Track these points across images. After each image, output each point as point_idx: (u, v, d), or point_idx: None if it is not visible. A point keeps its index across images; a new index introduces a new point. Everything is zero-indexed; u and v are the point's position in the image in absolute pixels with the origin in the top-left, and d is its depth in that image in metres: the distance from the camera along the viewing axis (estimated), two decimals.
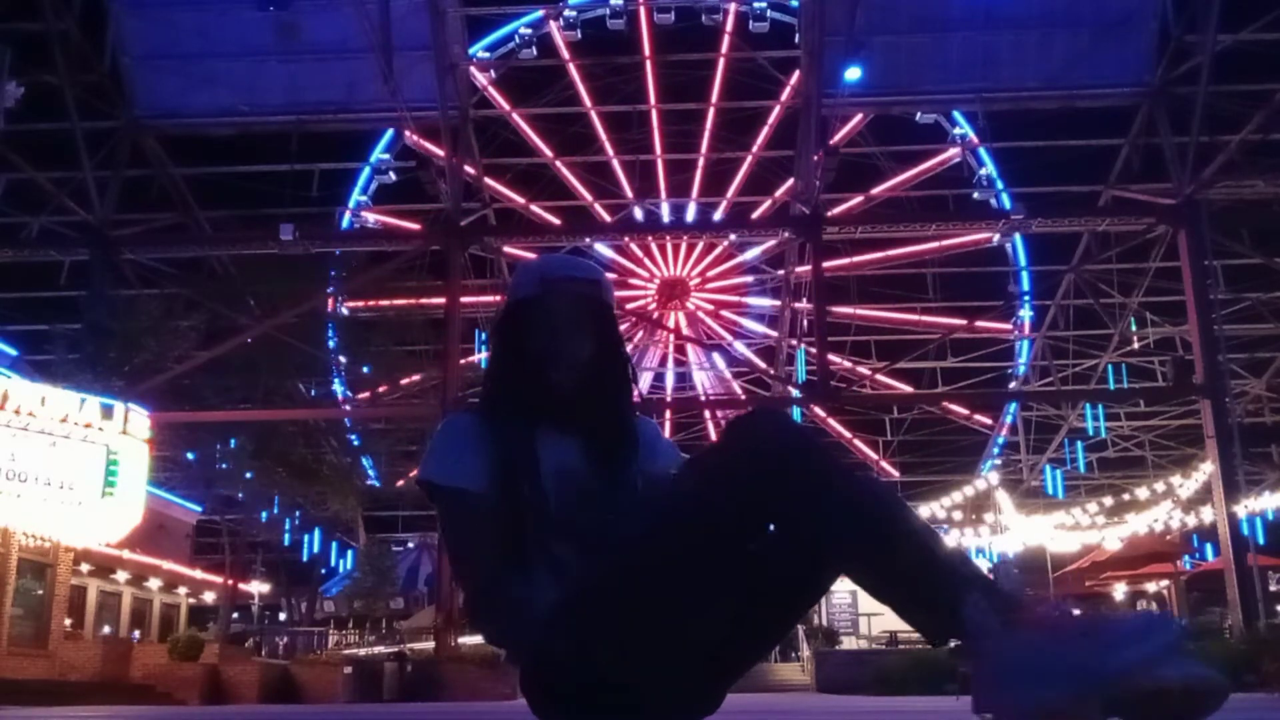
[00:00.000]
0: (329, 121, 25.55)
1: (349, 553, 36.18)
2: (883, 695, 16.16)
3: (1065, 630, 1.59)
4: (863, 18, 21.31)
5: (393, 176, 28.76)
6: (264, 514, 31.72)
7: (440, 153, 25.00)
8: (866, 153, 29.61)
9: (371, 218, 30.17)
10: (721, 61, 29.95)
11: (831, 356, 30.01)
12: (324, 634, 34.70)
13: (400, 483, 31.36)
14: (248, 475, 28.92)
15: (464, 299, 24.96)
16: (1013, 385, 32.51)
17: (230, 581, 30.29)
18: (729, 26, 28.68)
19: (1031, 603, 1.65)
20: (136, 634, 26.46)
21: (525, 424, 2.00)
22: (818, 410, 31.61)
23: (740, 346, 35.82)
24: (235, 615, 34.13)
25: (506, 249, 27.85)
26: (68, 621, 22.38)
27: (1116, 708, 1.55)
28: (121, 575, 25.30)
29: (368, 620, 33.71)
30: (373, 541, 34.86)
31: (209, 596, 30.03)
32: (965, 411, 33.25)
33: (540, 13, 27.85)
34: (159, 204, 26.39)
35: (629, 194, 32.47)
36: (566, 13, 27.34)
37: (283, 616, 40.01)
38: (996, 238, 26.94)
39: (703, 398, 35.86)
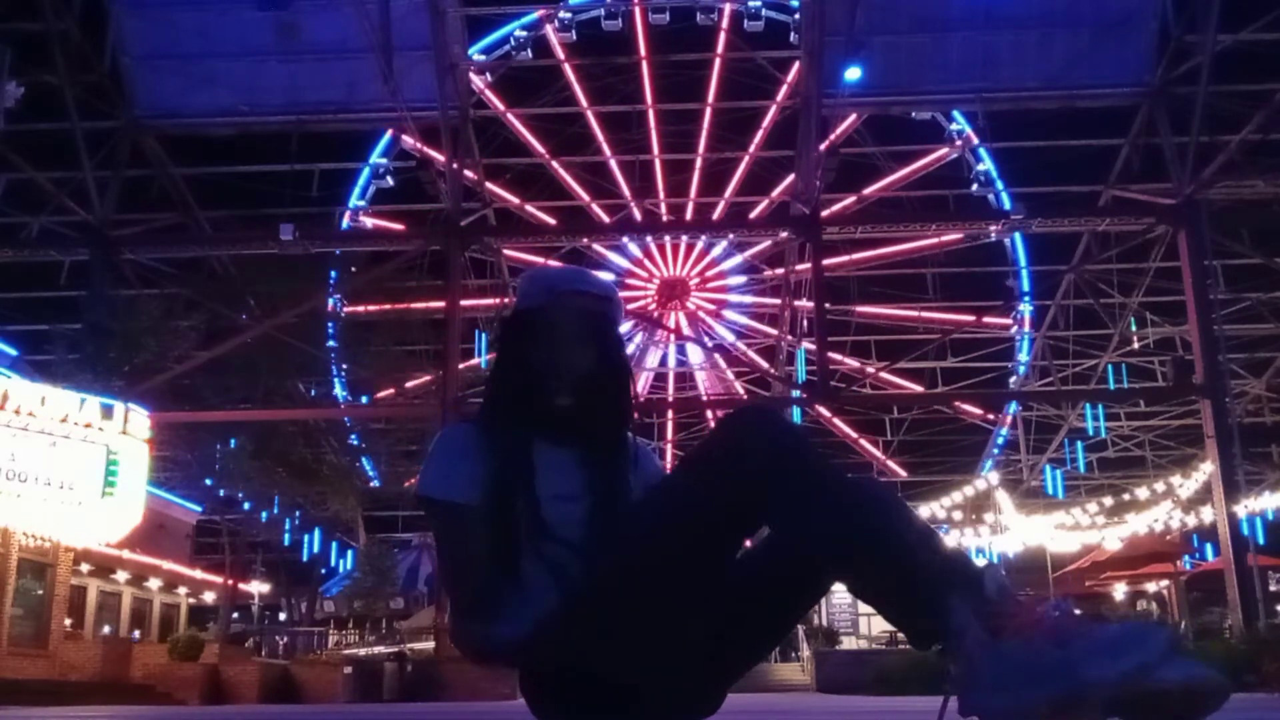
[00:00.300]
0: (329, 121, 25.54)
1: (349, 553, 36.18)
2: (883, 695, 16.16)
3: (1045, 637, 1.60)
4: (863, 18, 21.30)
5: (390, 181, 28.75)
6: (264, 514, 31.73)
7: (437, 155, 25.00)
8: (865, 152, 29.62)
9: (369, 222, 30.18)
10: (717, 61, 29.95)
11: (832, 354, 30.11)
12: (324, 634, 34.71)
13: (408, 484, 31.35)
14: (248, 475, 28.92)
15: (463, 301, 24.98)
16: (1013, 381, 32.48)
17: (230, 581, 30.29)
18: (724, 26, 28.68)
19: (1014, 607, 1.66)
20: (136, 634, 26.46)
21: (523, 434, 1.98)
22: (822, 410, 31.63)
23: (742, 346, 35.84)
24: (235, 615, 34.14)
25: (506, 251, 27.86)
26: (68, 621, 22.38)
27: (1117, 708, 1.56)
28: (121, 575, 25.30)
29: (368, 620, 33.73)
30: (373, 541, 34.86)
31: (209, 596, 30.03)
32: (979, 411, 33.27)
33: (535, 15, 27.85)
34: (159, 204, 26.40)
35: (627, 194, 32.49)
36: (561, 14, 27.34)
37: (283, 616, 40.01)
38: (994, 231, 26.89)
39: (704, 398, 35.85)
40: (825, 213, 25.44)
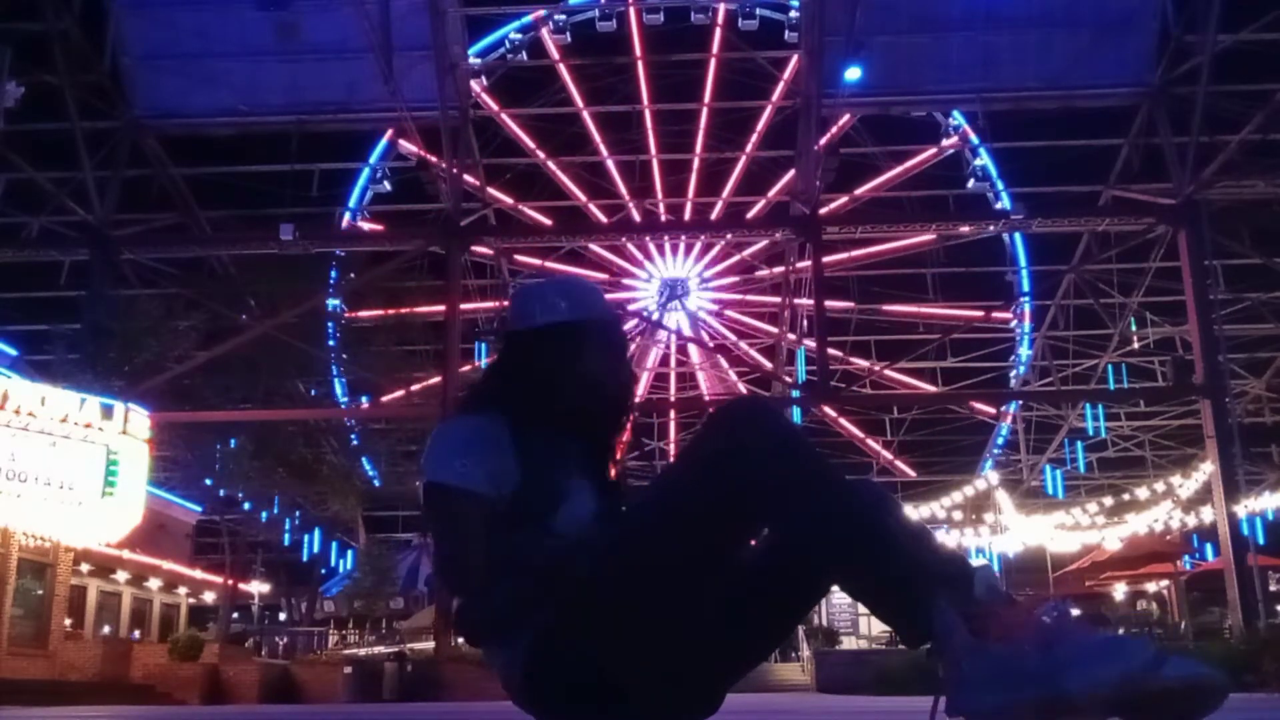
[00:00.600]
0: (329, 121, 25.54)
1: (349, 553, 36.19)
2: (883, 695, 16.15)
3: (1030, 640, 1.62)
4: (863, 18, 21.29)
5: (387, 186, 28.73)
6: (264, 514, 31.73)
7: (433, 158, 24.98)
8: (865, 152, 29.64)
9: (367, 227, 30.16)
10: (713, 60, 29.94)
11: (834, 352, 30.11)
12: (324, 634, 34.72)
13: (414, 483, 31.35)
14: (248, 475, 28.92)
15: (463, 305, 24.97)
16: (1014, 376, 32.44)
17: (230, 581, 30.28)
18: (719, 23, 28.65)
19: (1002, 609, 1.67)
20: (136, 634, 26.46)
21: (558, 438, 2.04)
22: (828, 410, 31.63)
23: (745, 346, 35.86)
24: (235, 615, 34.13)
25: (520, 258, 27.84)
26: (68, 621, 22.38)
27: (1118, 708, 1.57)
28: (121, 575, 25.30)
29: (368, 620, 33.73)
30: (373, 541, 34.87)
31: (209, 596, 30.04)
32: (991, 410, 33.27)
33: (530, 18, 27.83)
34: (159, 204, 26.40)
35: (625, 195, 32.50)
36: (556, 16, 27.34)
37: (283, 616, 40.03)
38: (993, 228, 26.90)
39: (706, 397, 35.85)
40: (822, 211, 25.44)
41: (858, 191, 30.70)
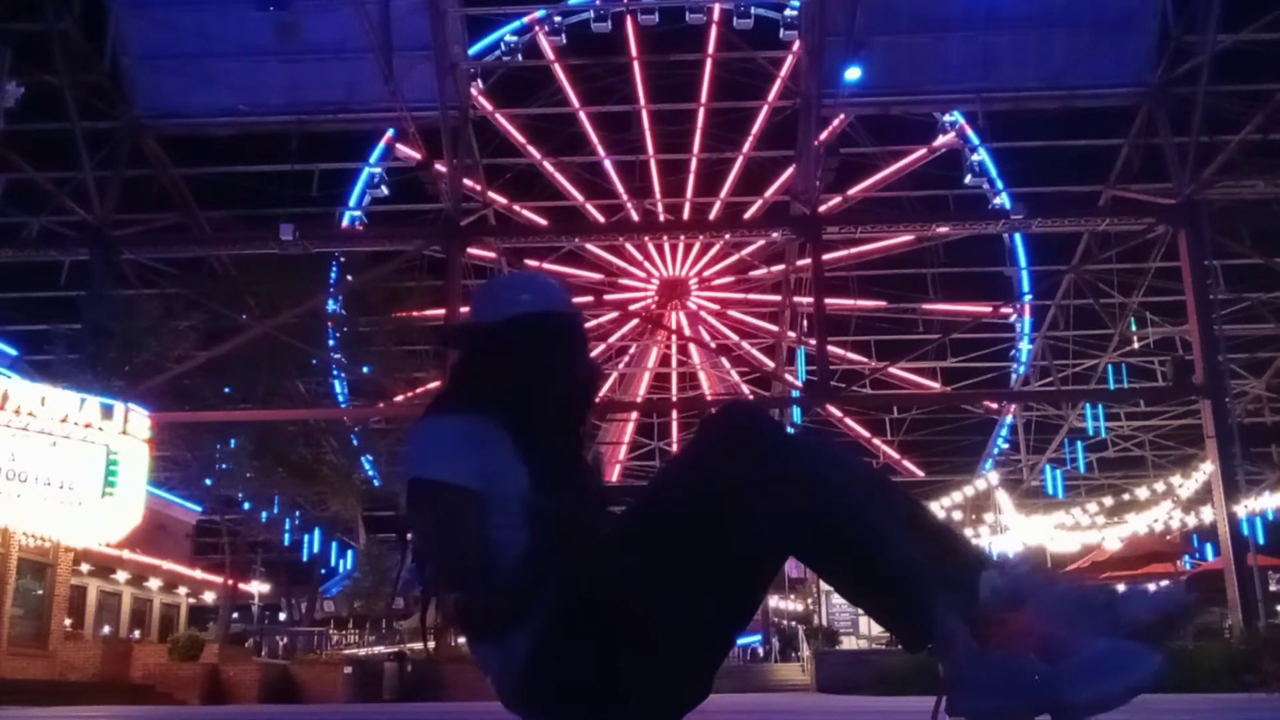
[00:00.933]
0: (329, 121, 25.54)
1: (349, 553, 36.20)
2: (883, 695, 16.16)
3: (1033, 650, 1.62)
4: (863, 18, 21.30)
5: (385, 190, 28.71)
6: (264, 514, 31.73)
7: (433, 159, 24.92)
8: (865, 152, 29.64)
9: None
10: (709, 60, 29.92)
11: (836, 350, 30.13)
12: (324, 634, 34.70)
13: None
14: (248, 475, 28.93)
15: (463, 308, 24.97)
16: (1014, 373, 32.41)
17: (230, 581, 30.29)
18: (715, 21, 28.63)
19: (1006, 614, 1.68)
20: (136, 634, 26.46)
21: (555, 435, 2.06)
22: (833, 410, 31.61)
23: (747, 346, 35.89)
24: (235, 615, 34.13)
25: (530, 262, 27.78)
26: (68, 621, 22.39)
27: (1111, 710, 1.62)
28: (121, 575, 25.30)
29: (368, 620, 33.72)
30: (373, 541, 34.87)
31: (209, 596, 30.04)
32: (994, 406, 33.24)
33: (524, 20, 27.80)
34: (159, 204, 26.39)
35: (624, 195, 32.50)
36: (551, 18, 27.32)
37: (283, 616, 40.03)
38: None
39: (708, 397, 35.89)
40: (819, 210, 25.42)
41: (852, 191, 30.63)
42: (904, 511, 1.88)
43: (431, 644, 13.23)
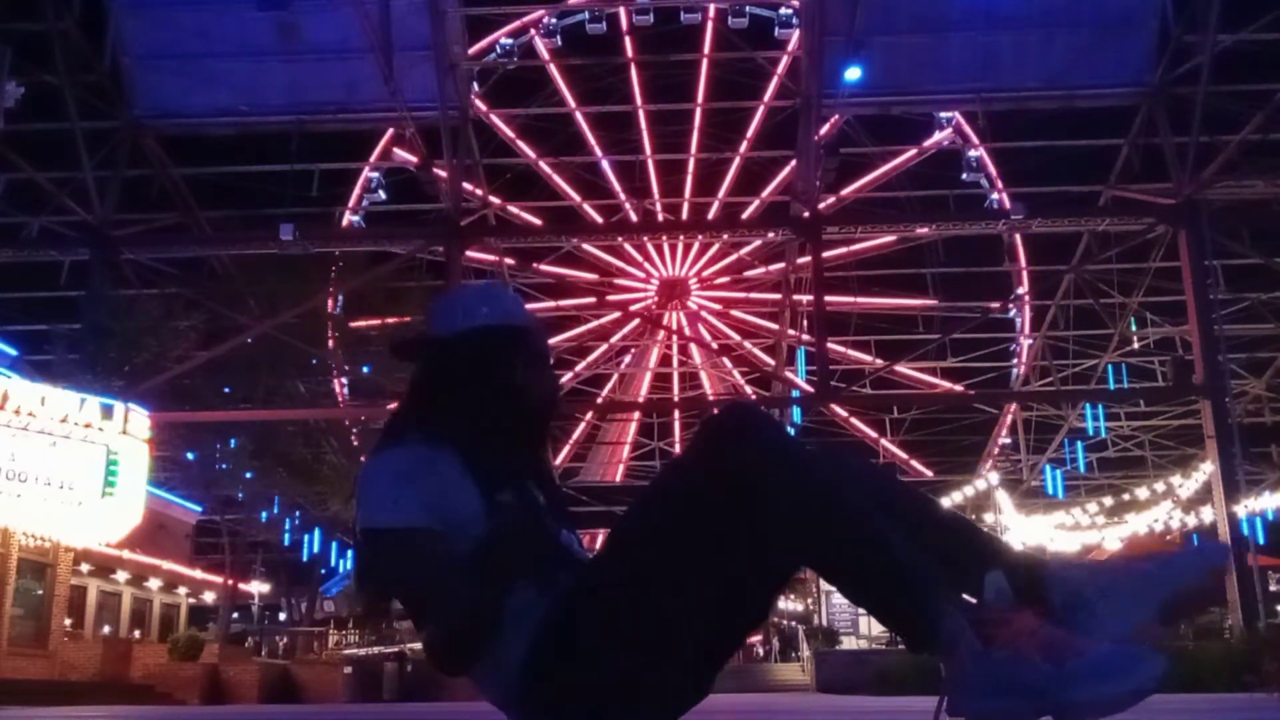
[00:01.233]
0: (329, 121, 25.52)
1: (349, 553, 36.19)
2: (883, 695, 16.16)
3: (1038, 651, 1.62)
4: (863, 18, 21.29)
5: (383, 195, 28.70)
6: (264, 514, 31.73)
7: (425, 158, 24.90)
8: (865, 152, 29.63)
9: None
10: (705, 59, 29.92)
11: (838, 348, 30.13)
12: (324, 634, 34.72)
13: None
14: (248, 475, 28.92)
15: None
16: (1014, 366, 32.36)
17: (230, 581, 30.31)
18: (709, 25, 28.64)
19: (1010, 615, 1.68)
20: (136, 634, 26.47)
21: (512, 453, 2.03)
22: (838, 410, 31.55)
23: (749, 345, 35.90)
24: (235, 615, 34.16)
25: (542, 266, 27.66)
26: (68, 621, 22.40)
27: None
28: (121, 575, 25.31)
29: (368, 620, 33.69)
30: None
31: (209, 596, 30.05)
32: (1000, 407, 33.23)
33: (519, 23, 27.79)
34: (159, 204, 26.39)
35: (622, 196, 32.49)
36: (546, 20, 27.33)
37: (283, 616, 40.05)
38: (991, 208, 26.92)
39: (710, 397, 35.91)
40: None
41: (847, 190, 30.56)
42: (909, 509, 1.88)
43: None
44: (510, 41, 27.73)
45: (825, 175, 23.04)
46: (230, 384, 26.95)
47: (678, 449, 33.97)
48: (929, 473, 34.53)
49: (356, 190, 29.03)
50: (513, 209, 31.38)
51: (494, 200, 30.34)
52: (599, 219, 31.23)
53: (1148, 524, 25.63)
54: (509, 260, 30.61)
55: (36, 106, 22.48)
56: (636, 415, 38.23)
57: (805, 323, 30.50)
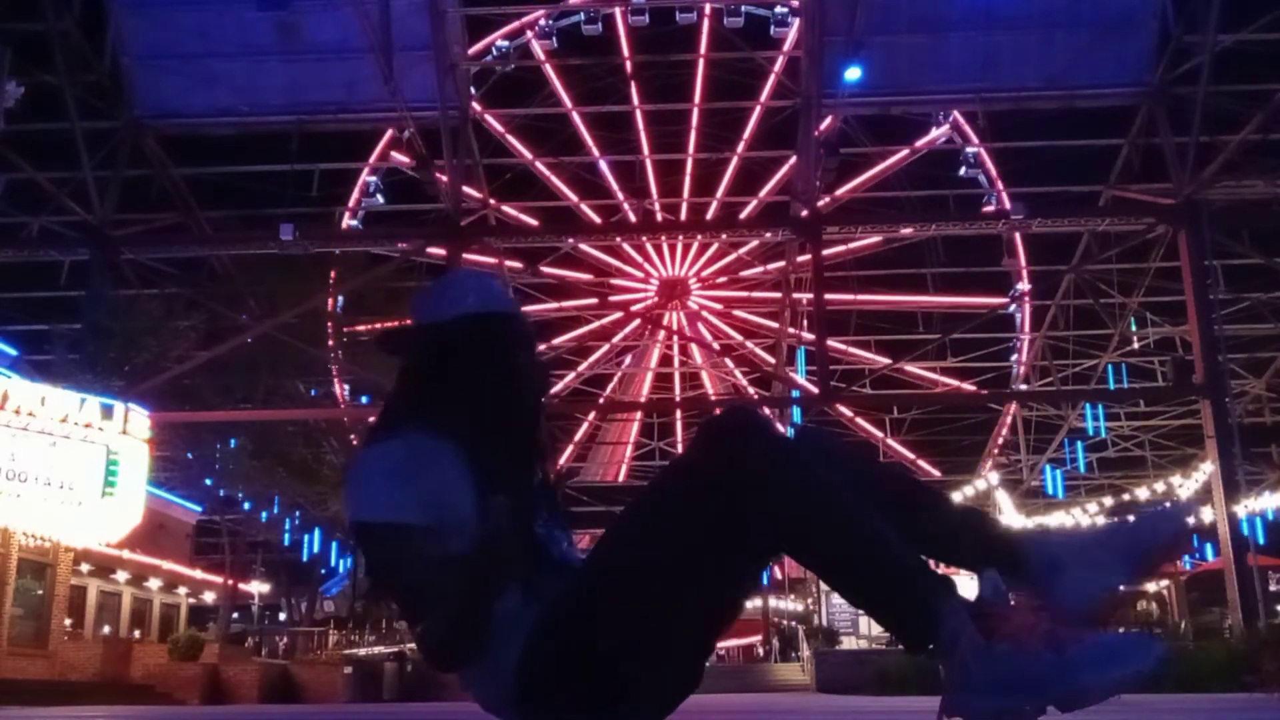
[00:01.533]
0: (329, 121, 25.53)
1: (349, 553, 36.20)
2: (883, 695, 16.16)
3: (1039, 642, 1.63)
4: (863, 18, 21.30)
5: (380, 200, 28.71)
6: (264, 514, 31.73)
7: (424, 158, 24.89)
8: (864, 152, 29.63)
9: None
10: (702, 59, 29.90)
11: (839, 345, 30.10)
12: (324, 634, 34.71)
13: None
14: (248, 475, 28.92)
15: None
16: (1014, 361, 32.35)
17: (230, 581, 30.31)
18: (705, 25, 28.61)
19: (1009, 609, 1.69)
20: (136, 634, 26.47)
21: (511, 449, 1.98)
22: (844, 410, 31.52)
23: (751, 345, 35.90)
24: (235, 615, 34.16)
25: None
26: (68, 621, 22.39)
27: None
28: (121, 575, 25.31)
29: (368, 620, 33.71)
30: None
31: (209, 596, 30.05)
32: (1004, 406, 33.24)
33: (516, 24, 27.79)
34: (159, 204, 26.39)
35: (621, 196, 32.49)
36: (541, 22, 27.33)
37: (283, 616, 40.05)
38: (991, 207, 26.93)
39: (712, 397, 35.93)
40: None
41: (844, 190, 30.54)
42: (911, 508, 1.88)
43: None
44: (506, 44, 27.75)
45: (825, 175, 23.03)
46: (230, 384, 26.94)
47: (679, 449, 33.98)
48: (937, 473, 34.49)
49: (355, 195, 29.03)
50: (512, 210, 31.37)
51: (493, 202, 30.36)
52: (598, 220, 31.23)
53: None
54: (515, 264, 30.64)
55: (36, 106, 22.49)
56: (638, 415, 38.24)
57: (805, 322, 30.50)
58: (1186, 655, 16.23)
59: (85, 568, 23.39)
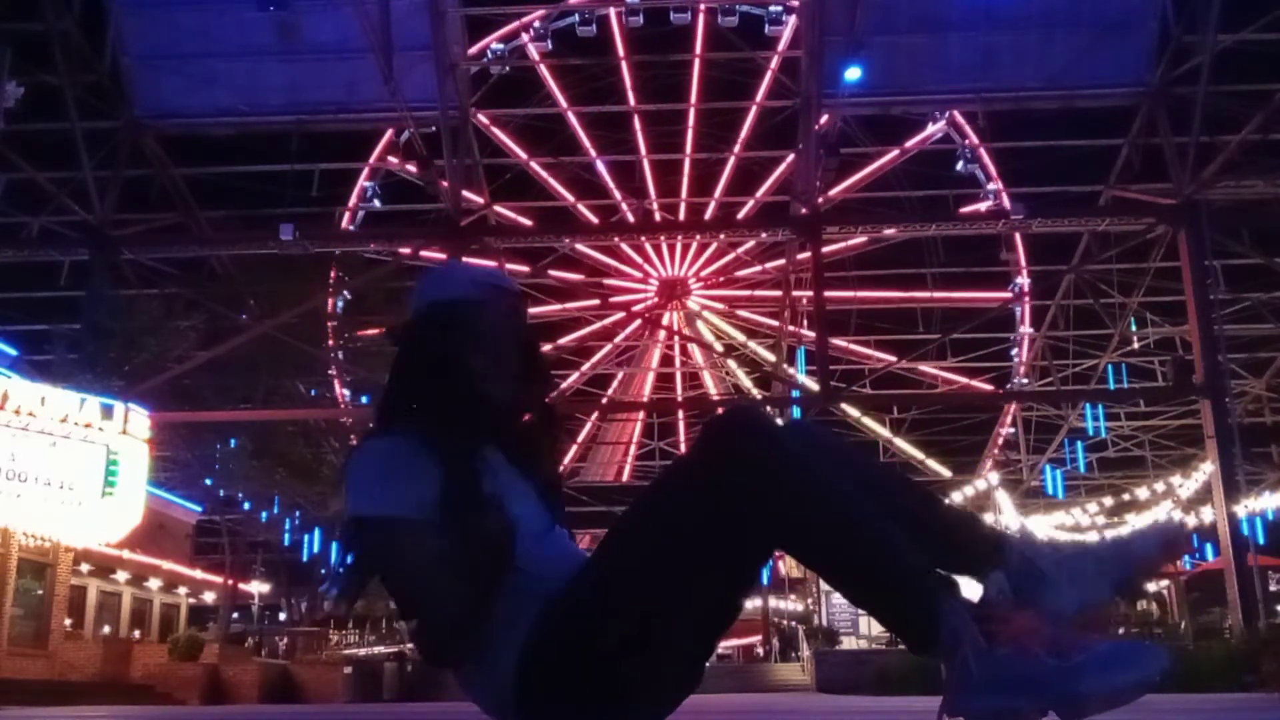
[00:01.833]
0: (329, 121, 25.53)
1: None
2: (883, 695, 16.16)
3: (1041, 646, 1.63)
4: (863, 18, 21.30)
5: (378, 204, 28.70)
6: (264, 514, 31.73)
7: (425, 158, 24.88)
8: (864, 152, 29.63)
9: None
10: (698, 59, 29.88)
11: (843, 344, 30.08)
12: (324, 634, 34.73)
13: None
14: (248, 475, 28.92)
15: None
16: (1015, 361, 32.34)
17: (230, 581, 30.31)
18: (700, 25, 28.58)
19: (1011, 613, 1.69)
20: (136, 634, 26.47)
21: (477, 443, 1.94)
22: (849, 410, 31.51)
23: (753, 345, 35.90)
24: (235, 615, 34.15)
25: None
26: (68, 621, 22.40)
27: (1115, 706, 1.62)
28: (121, 575, 25.32)
29: (368, 620, 33.73)
30: None
31: (209, 596, 30.05)
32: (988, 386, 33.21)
33: (512, 25, 27.78)
34: (159, 204, 26.39)
35: (619, 197, 32.48)
36: (534, 24, 27.30)
37: (283, 616, 40.05)
38: (988, 206, 26.93)
39: (714, 396, 35.92)
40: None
41: (839, 189, 30.47)
42: (911, 508, 1.87)
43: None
44: (502, 46, 27.74)
45: (825, 174, 23.03)
46: (230, 384, 26.94)
47: (681, 449, 33.98)
48: (947, 472, 34.43)
49: (353, 199, 29.03)
50: (511, 212, 31.37)
51: (485, 202, 30.37)
52: (596, 221, 31.23)
53: (1148, 524, 25.61)
54: (515, 266, 30.60)
55: (36, 106, 22.49)
56: (639, 415, 38.24)
57: (805, 320, 30.49)
58: (1186, 655, 16.23)
59: (85, 568, 23.40)
